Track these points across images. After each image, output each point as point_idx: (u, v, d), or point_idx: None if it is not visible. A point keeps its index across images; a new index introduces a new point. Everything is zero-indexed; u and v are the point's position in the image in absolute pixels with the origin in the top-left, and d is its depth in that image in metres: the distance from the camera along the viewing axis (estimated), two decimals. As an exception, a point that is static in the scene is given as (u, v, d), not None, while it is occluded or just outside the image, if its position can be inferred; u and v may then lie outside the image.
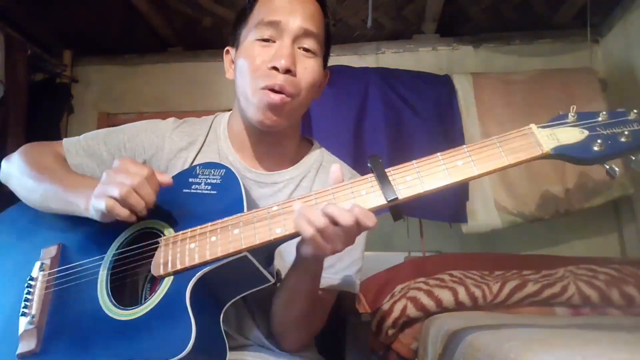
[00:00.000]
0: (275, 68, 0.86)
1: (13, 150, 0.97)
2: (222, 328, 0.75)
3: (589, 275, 1.59)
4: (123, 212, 0.75)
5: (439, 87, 2.33)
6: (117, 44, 2.91)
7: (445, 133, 2.24)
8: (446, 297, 1.55)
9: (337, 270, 0.93)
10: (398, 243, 2.38)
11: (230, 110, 1.02)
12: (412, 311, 1.55)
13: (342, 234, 0.69)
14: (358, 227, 0.68)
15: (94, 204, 0.76)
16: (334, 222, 0.67)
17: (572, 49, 2.56)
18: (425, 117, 2.25)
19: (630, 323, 1.30)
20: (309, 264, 0.79)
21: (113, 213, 0.75)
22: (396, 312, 1.56)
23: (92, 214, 0.78)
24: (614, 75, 2.42)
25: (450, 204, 2.18)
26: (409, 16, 2.59)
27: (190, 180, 0.84)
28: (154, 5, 2.51)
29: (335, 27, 2.61)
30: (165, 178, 0.79)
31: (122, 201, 0.74)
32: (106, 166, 0.95)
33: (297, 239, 0.76)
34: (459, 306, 1.55)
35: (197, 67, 2.89)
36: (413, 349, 1.56)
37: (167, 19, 2.66)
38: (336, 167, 0.74)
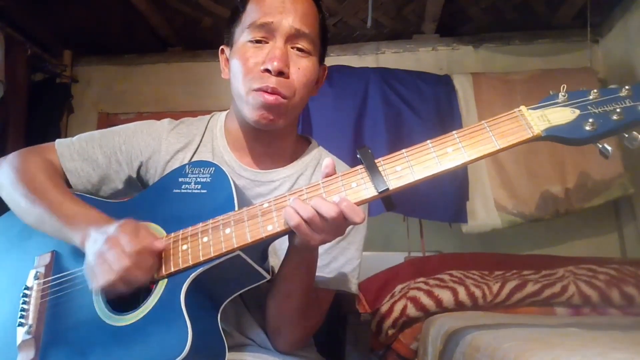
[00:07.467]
0: (267, 70, 0.86)
1: (13, 150, 0.95)
2: (220, 328, 0.74)
3: (589, 275, 1.59)
4: (123, 289, 0.73)
5: (439, 87, 2.32)
6: (116, 44, 2.90)
7: (446, 133, 2.23)
8: (446, 297, 1.55)
9: (331, 270, 0.93)
10: (398, 243, 2.37)
11: (228, 109, 1.02)
12: (412, 311, 1.55)
13: (328, 226, 0.69)
14: (345, 220, 0.68)
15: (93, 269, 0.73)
16: (320, 214, 0.68)
17: (572, 49, 2.56)
18: (425, 117, 2.25)
19: (630, 323, 1.30)
20: (301, 251, 0.78)
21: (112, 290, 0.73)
22: (396, 312, 1.56)
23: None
24: (613, 75, 2.42)
25: (450, 204, 2.17)
26: (409, 16, 2.58)
27: (180, 179, 0.83)
28: (154, 5, 2.51)
29: (335, 27, 2.60)
30: (159, 246, 0.75)
31: (120, 280, 0.71)
32: (102, 170, 0.95)
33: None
34: (459, 306, 1.55)
35: (197, 67, 2.89)
36: (413, 349, 1.56)
37: (167, 18, 2.66)
38: (328, 161, 0.73)
